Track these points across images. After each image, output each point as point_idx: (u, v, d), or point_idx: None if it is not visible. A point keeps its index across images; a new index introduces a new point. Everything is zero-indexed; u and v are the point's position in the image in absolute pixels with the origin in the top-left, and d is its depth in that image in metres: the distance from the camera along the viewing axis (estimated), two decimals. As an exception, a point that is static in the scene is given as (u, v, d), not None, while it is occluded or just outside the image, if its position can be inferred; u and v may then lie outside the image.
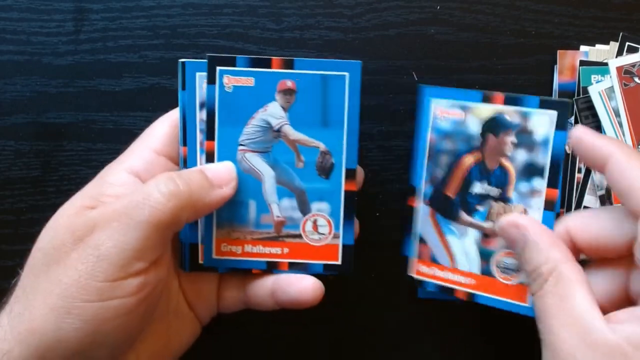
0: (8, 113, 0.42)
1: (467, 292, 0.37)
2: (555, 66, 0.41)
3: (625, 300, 0.31)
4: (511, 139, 0.35)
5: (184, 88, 0.36)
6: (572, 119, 0.41)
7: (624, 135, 0.40)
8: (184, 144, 0.36)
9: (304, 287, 0.35)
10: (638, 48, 0.41)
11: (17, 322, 0.30)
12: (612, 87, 0.40)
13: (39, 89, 0.42)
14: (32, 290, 0.30)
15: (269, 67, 0.35)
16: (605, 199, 0.40)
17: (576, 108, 0.40)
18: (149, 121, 0.42)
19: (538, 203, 0.35)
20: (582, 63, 0.41)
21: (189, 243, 0.36)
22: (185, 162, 0.36)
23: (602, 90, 0.40)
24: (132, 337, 0.32)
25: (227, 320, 0.39)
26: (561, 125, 0.34)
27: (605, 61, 0.41)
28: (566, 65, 0.41)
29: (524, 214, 0.35)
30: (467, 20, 0.42)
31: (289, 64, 0.35)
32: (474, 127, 0.36)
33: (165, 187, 0.31)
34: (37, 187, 0.42)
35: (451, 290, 0.37)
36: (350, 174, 0.36)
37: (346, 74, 0.35)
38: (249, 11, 0.42)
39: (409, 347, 0.42)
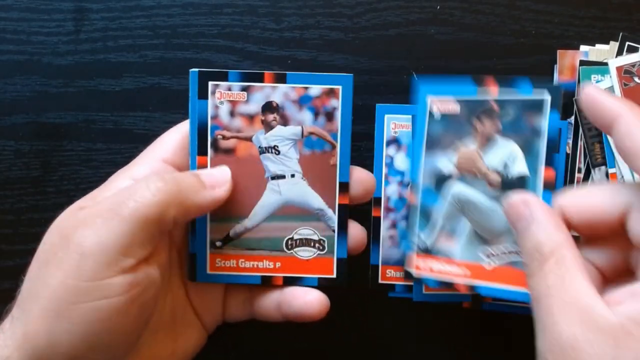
0: (8, 113, 0.42)
1: (467, 284, 0.36)
2: (555, 66, 0.41)
3: (619, 276, 0.31)
4: (497, 123, 0.35)
5: (193, 99, 0.36)
6: (572, 119, 0.41)
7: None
8: (199, 153, 0.36)
9: (309, 300, 0.35)
10: (638, 48, 0.41)
11: (16, 328, 0.29)
12: (612, 87, 0.40)
13: (39, 89, 0.42)
14: (27, 295, 0.30)
15: (262, 81, 0.35)
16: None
17: (576, 108, 0.40)
18: (149, 121, 0.42)
19: (536, 183, 0.35)
20: (582, 63, 0.41)
21: (193, 253, 0.36)
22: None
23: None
24: (130, 339, 0.31)
25: (231, 328, 0.39)
26: (555, 106, 0.34)
27: (605, 61, 0.41)
28: (566, 65, 0.41)
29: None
30: (467, 20, 0.42)
31: (281, 78, 0.35)
32: (467, 116, 0.36)
33: (153, 183, 0.31)
34: (37, 187, 0.42)
35: (450, 284, 0.37)
36: (343, 188, 0.36)
37: (339, 87, 0.35)
38: (249, 11, 0.42)
39: (409, 351, 0.42)
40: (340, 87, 0.35)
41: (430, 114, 0.37)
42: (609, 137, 0.32)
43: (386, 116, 0.41)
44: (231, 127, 0.36)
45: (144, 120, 0.42)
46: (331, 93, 0.35)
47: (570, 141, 0.41)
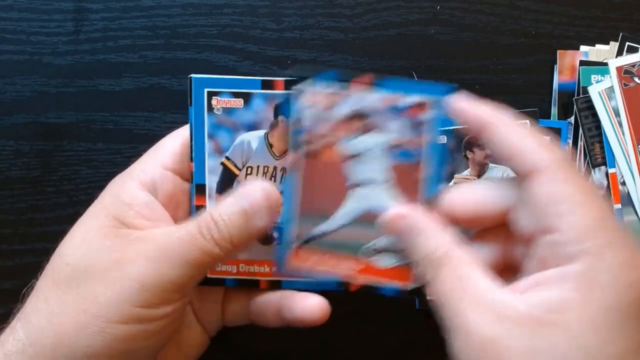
0: (8, 113, 0.42)
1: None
2: (555, 66, 0.41)
3: (503, 270, 0.31)
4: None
5: (191, 104, 0.35)
6: (572, 119, 0.41)
7: (624, 134, 0.40)
8: (192, 159, 0.35)
9: (310, 305, 0.35)
10: (638, 48, 0.41)
11: (38, 335, 0.30)
12: (612, 87, 0.40)
13: (39, 89, 0.42)
14: (59, 305, 0.30)
15: (271, 88, 0.34)
16: (605, 199, 0.40)
17: (576, 108, 0.40)
18: (149, 121, 0.42)
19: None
20: (582, 63, 0.41)
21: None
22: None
23: (602, 90, 0.40)
24: (156, 352, 0.33)
25: (233, 330, 0.39)
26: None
27: (605, 61, 0.41)
28: (566, 65, 0.41)
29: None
30: (467, 20, 0.42)
31: (374, 84, 0.33)
32: (261, 111, 0.35)
33: (208, 232, 0.31)
34: (37, 187, 0.42)
35: (256, 282, 0.36)
36: (428, 202, 0.34)
37: (434, 99, 0.33)
38: (249, 11, 0.42)
39: (409, 351, 0.42)
40: (434, 99, 0.33)
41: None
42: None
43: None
44: (319, 130, 0.35)
45: (144, 120, 0.42)
46: (424, 104, 0.33)
47: (570, 141, 0.41)
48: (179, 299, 0.31)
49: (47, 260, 0.32)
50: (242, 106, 0.35)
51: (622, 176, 0.40)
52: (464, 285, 0.28)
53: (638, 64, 0.40)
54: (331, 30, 0.42)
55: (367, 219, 0.35)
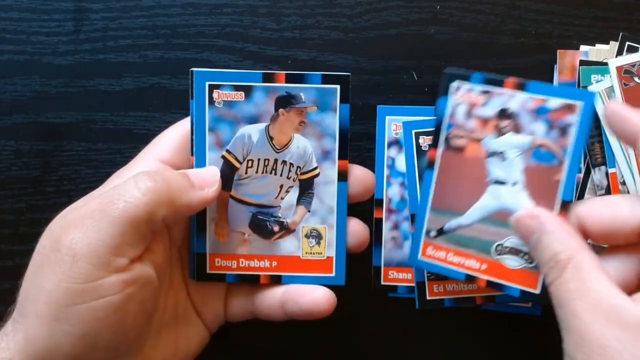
0: (8, 113, 0.42)
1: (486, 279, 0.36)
2: (555, 66, 0.41)
3: (636, 287, 0.32)
4: (302, 117, 0.35)
5: (192, 97, 0.35)
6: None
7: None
8: (193, 153, 0.36)
9: (315, 297, 0.35)
10: (638, 48, 0.41)
11: (17, 331, 0.30)
12: (612, 86, 0.40)
13: (39, 89, 0.42)
14: (25, 298, 0.30)
15: (502, 86, 0.35)
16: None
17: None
18: (149, 121, 0.42)
19: (332, 175, 0.35)
20: (582, 63, 0.41)
21: (196, 253, 0.36)
22: None
23: (602, 90, 0.40)
24: (130, 337, 0.31)
25: (234, 327, 0.39)
26: (345, 99, 0.35)
27: (605, 61, 0.41)
28: (566, 65, 0.41)
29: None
30: (467, 20, 0.42)
31: (521, 86, 0.35)
32: (262, 104, 0.35)
33: (142, 182, 0.31)
34: (37, 187, 0.42)
35: (256, 277, 0.36)
36: (565, 206, 0.35)
37: (580, 103, 0.34)
38: (249, 11, 0.42)
39: (410, 351, 0.42)
40: (581, 104, 0.34)
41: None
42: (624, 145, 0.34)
43: (387, 117, 0.41)
44: (465, 126, 0.36)
45: (144, 120, 0.42)
46: (569, 108, 0.34)
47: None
48: (124, 266, 0.30)
49: None
50: (243, 99, 0.35)
51: (622, 176, 0.40)
52: (586, 288, 0.29)
53: (638, 63, 0.40)
54: (331, 30, 0.42)
55: (499, 217, 0.35)
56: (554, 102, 0.35)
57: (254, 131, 0.35)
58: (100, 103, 0.42)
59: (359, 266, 0.39)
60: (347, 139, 0.35)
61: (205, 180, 0.34)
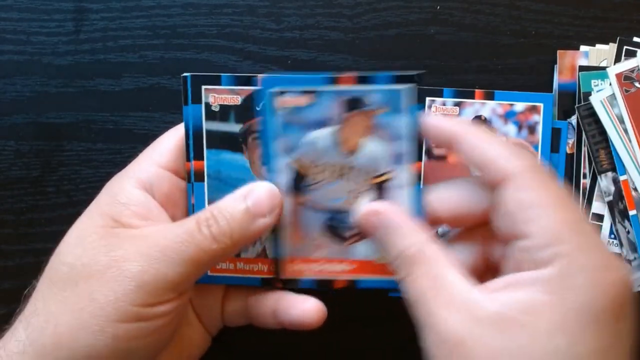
0: (8, 113, 0.42)
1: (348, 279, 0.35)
2: (555, 66, 0.41)
3: (485, 271, 0.32)
4: (371, 120, 0.34)
5: (186, 103, 0.35)
6: (573, 119, 0.41)
7: (630, 141, 0.39)
8: (188, 159, 0.35)
9: (306, 309, 0.34)
10: (636, 51, 0.40)
11: (38, 336, 0.30)
12: (614, 94, 0.40)
13: (39, 89, 0.42)
14: (56, 304, 0.30)
15: (255, 84, 0.34)
16: (614, 205, 0.40)
17: (578, 115, 0.40)
18: (148, 121, 0.42)
19: (406, 178, 0.34)
20: (582, 68, 0.41)
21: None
22: (194, 177, 0.36)
23: (604, 99, 0.40)
24: (158, 352, 0.33)
25: (234, 331, 0.39)
26: (413, 99, 0.33)
27: (604, 65, 0.41)
28: (566, 65, 0.41)
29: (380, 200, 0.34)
30: (467, 20, 0.42)
31: (489, 95, 0.38)
32: (329, 108, 0.34)
33: (207, 229, 0.31)
34: (37, 187, 0.42)
35: (330, 281, 0.35)
36: None
37: (541, 104, 0.39)
38: (249, 11, 0.42)
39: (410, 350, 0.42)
40: (541, 105, 0.39)
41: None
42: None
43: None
44: None
45: (144, 120, 0.42)
46: (533, 109, 0.40)
47: (570, 141, 0.40)
48: (177, 297, 0.31)
49: (46, 261, 0.32)
50: (311, 104, 0.34)
51: (634, 182, 0.40)
52: (438, 284, 0.28)
53: (637, 68, 0.40)
54: (331, 30, 0.42)
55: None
56: (520, 106, 0.40)
57: (322, 136, 0.34)
58: (100, 103, 0.42)
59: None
60: (419, 140, 0.33)
61: (265, 206, 0.33)
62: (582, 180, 0.40)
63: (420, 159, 0.35)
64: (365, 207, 0.32)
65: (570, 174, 0.40)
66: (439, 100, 0.40)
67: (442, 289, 0.28)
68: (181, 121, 0.37)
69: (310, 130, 0.34)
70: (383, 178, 0.34)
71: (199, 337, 0.37)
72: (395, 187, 0.34)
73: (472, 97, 0.40)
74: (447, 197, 0.32)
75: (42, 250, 0.40)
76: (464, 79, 0.42)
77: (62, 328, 0.29)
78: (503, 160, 0.29)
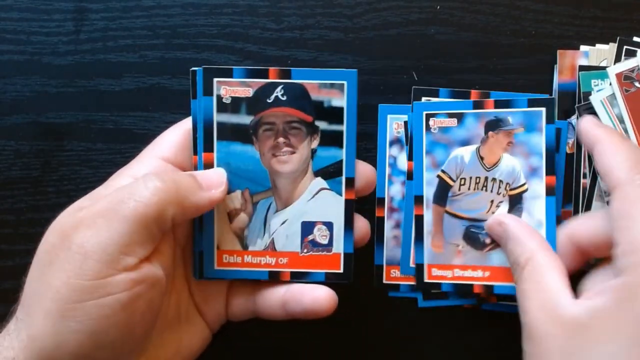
0: (8, 113, 0.42)
1: (485, 285, 0.38)
2: (555, 66, 0.41)
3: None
4: (510, 138, 0.38)
5: (194, 97, 0.36)
6: (573, 119, 0.41)
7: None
8: (195, 152, 0.36)
9: (318, 296, 0.35)
10: (636, 51, 0.40)
11: (21, 329, 0.30)
12: (614, 94, 0.40)
13: (39, 89, 0.42)
14: (29, 296, 0.30)
15: (267, 77, 0.36)
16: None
17: (578, 115, 0.40)
18: (149, 121, 0.42)
19: (540, 190, 0.38)
20: (582, 68, 0.41)
21: (200, 251, 0.36)
22: (203, 169, 0.36)
23: (604, 99, 0.40)
24: (136, 337, 0.31)
25: (236, 326, 0.39)
26: (550, 119, 0.38)
27: (604, 64, 0.41)
28: (566, 65, 0.41)
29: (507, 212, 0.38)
30: (467, 20, 0.42)
31: (286, 74, 0.35)
32: (472, 128, 0.38)
33: (151, 182, 0.31)
34: (37, 187, 0.42)
35: (469, 286, 0.38)
36: (350, 183, 0.36)
37: (344, 82, 0.36)
38: (249, 11, 0.42)
39: (410, 350, 0.42)
40: (345, 83, 0.36)
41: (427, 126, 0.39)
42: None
43: (389, 116, 0.41)
44: None
45: (144, 120, 0.42)
46: (336, 87, 0.37)
47: (570, 141, 0.40)
48: (134, 265, 0.30)
49: None
50: (456, 125, 0.38)
51: None
52: (537, 287, 0.31)
53: (637, 68, 0.40)
54: (331, 30, 0.42)
55: None
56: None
57: (466, 152, 0.39)
58: (100, 103, 0.42)
59: (360, 265, 0.39)
60: (553, 156, 0.38)
61: (213, 181, 0.34)
62: (582, 180, 0.40)
63: (554, 174, 0.38)
64: (491, 218, 0.37)
65: (570, 174, 0.40)
66: (232, 80, 0.36)
67: (540, 291, 0.31)
68: (181, 120, 0.37)
69: (455, 147, 0.39)
70: (519, 190, 0.38)
71: (200, 333, 0.37)
72: (531, 198, 0.38)
73: (468, 97, 0.40)
74: (587, 226, 0.34)
75: (42, 250, 0.40)
76: (464, 79, 0.42)
77: (33, 320, 0.29)
78: (618, 169, 0.31)
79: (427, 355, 0.42)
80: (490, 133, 0.39)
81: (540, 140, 0.38)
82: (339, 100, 0.36)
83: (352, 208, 0.36)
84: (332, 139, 0.37)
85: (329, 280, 0.36)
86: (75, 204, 0.33)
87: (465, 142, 0.39)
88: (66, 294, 0.29)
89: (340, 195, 0.36)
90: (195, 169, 0.36)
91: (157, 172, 0.33)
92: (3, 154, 0.42)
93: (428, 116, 0.39)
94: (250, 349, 0.42)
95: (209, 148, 0.36)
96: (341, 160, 0.36)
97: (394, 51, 0.42)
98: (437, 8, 0.42)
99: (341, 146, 0.36)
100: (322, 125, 0.36)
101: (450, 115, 0.39)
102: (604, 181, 0.32)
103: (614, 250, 0.29)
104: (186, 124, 0.37)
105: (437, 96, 0.40)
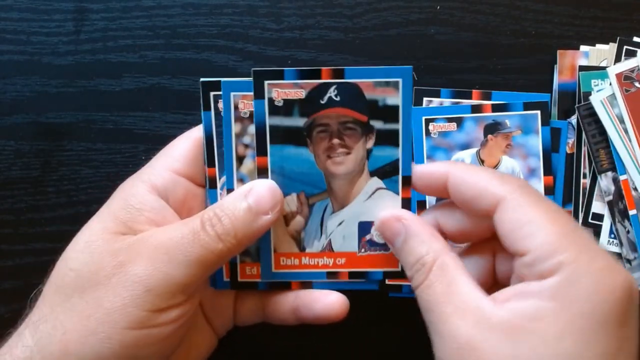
0: (8, 113, 0.42)
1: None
2: (555, 66, 0.41)
3: (492, 284, 0.32)
4: (508, 140, 0.39)
5: (206, 109, 0.35)
6: (573, 119, 0.41)
7: (630, 141, 0.40)
8: (210, 165, 0.35)
9: (330, 303, 0.35)
10: (636, 51, 0.40)
11: (46, 342, 0.29)
12: (614, 94, 0.40)
13: (39, 89, 0.42)
14: (64, 311, 0.30)
15: (319, 77, 0.35)
16: (614, 204, 0.40)
17: (578, 115, 0.40)
18: (149, 121, 0.42)
19: (539, 190, 0.39)
20: (582, 68, 0.41)
21: (229, 262, 0.36)
22: (213, 184, 0.35)
23: (604, 99, 0.40)
24: (167, 358, 0.33)
25: (242, 331, 0.39)
26: (545, 121, 0.39)
27: (604, 64, 0.41)
28: (566, 65, 0.41)
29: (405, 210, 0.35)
30: (467, 20, 0.42)
31: (339, 74, 0.35)
32: (472, 132, 0.39)
33: (211, 228, 0.31)
34: (37, 187, 0.42)
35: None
36: (406, 181, 0.35)
37: (399, 80, 0.35)
38: (249, 11, 0.42)
39: (409, 349, 0.42)
40: (400, 80, 0.35)
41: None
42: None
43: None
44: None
45: (144, 120, 0.42)
46: (391, 85, 0.35)
47: (570, 141, 0.41)
48: (186, 300, 0.31)
49: (53, 264, 0.32)
50: (456, 129, 0.39)
51: (634, 182, 0.40)
52: (452, 291, 0.29)
53: (637, 68, 0.40)
54: (331, 30, 0.42)
55: None
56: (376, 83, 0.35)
57: (466, 156, 0.40)
58: (100, 103, 0.42)
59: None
60: (550, 157, 0.39)
61: (266, 203, 0.33)
62: (582, 180, 0.40)
63: (551, 174, 0.38)
64: (390, 212, 0.34)
65: (570, 174, 0.40)
66: (281, 82, 0.35)
67: (456, 295, 0.29)
68: (181, 121, 0.37)
69: (455, 151, 0.40)
70: None
71: (207, 339, 0.37)
72: None
73: (470, 98, 0.40)
74: (454, 212, 0.33)
75: (42, 250, 0.40)
76: (464, 79, 0.42)
77: (69, 335, 0.29)
78: (493, 186, 0.30)
79: (428, 355, 0.42)
80: (489, 136, 0.40)
81: (537, 142, 0.39)
82: (394, 99, 0.35)
83: (409, 207, 0.36)
84: (387, 138, 0.35)
85: (387, 278, 0.36)
86: (106, 224, 0.32)
87: (465, 146, 0.39)
88: (117, 318, 0.29)
89: (397, 194, 0.36)
90: (208, 180, 0.35)
91: (217, 209, 0.32)
92: (3, 154, 0.42)
93: (427, 121, 0.39)
94: (253, 353, 0.42)
95: (262, 152, 0.35)
96: (397, 159, 0.36)
97: (394, 51, 0.42)
98: (437, 8, 0.42)
99: (397, 145, 0.35)
100: (377, 124, 0.35)
101: (450, 120, 0.39)
102: (480, 205, 0.30)
103: (522, 260, 0.28)
104: (195, 133, 0.36)
105: (438, 96, 0.40)
